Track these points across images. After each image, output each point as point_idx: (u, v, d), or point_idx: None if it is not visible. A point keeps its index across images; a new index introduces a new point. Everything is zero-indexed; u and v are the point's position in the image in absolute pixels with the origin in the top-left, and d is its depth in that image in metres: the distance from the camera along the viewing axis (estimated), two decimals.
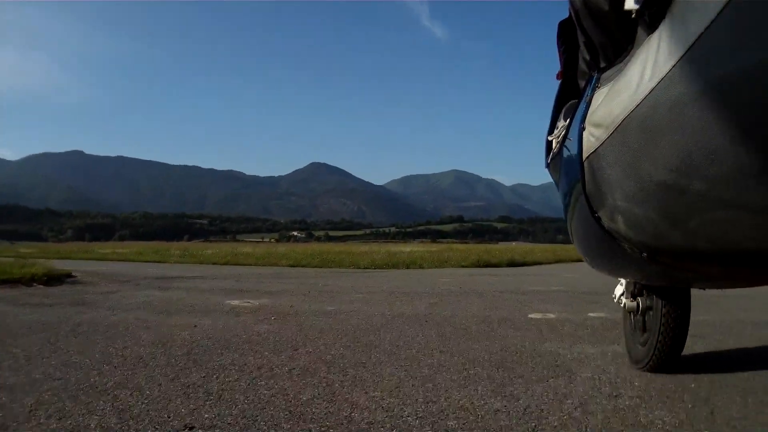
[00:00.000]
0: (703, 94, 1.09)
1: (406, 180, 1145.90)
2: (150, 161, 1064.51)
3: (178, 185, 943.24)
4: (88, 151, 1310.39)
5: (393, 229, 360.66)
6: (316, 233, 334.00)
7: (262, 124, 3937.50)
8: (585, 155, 1.76)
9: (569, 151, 2.04)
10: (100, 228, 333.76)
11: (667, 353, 2.43)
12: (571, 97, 2.37)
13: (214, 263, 15.64)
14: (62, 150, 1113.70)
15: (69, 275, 8.14)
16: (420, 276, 9.99)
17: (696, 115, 1.11)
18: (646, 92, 1.30)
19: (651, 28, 1.34)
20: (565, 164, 2.16)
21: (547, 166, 2.61)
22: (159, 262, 16.91)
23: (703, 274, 1.75)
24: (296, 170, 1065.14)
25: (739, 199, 1.11)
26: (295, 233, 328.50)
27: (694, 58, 1.11)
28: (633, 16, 1.42)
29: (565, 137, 2.18)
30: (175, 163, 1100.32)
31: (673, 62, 1.18)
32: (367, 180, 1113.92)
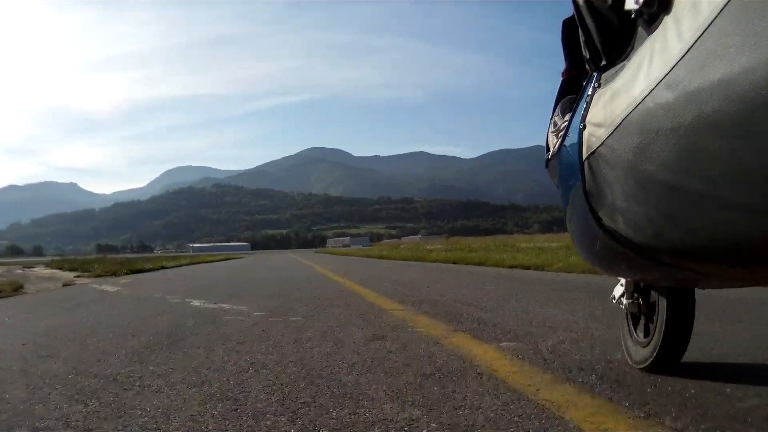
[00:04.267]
0: (703, 93, 1.26)
1: None
2: None
3: None
4: None
5: None
6: None
7: None
8: (585, 155, 2.05)
9: (569, 150, 2.36)
10: None
11: (671, 354, 2.76)
12: (572, 95, 2.68)
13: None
14: (523, 146, 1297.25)
15: None
16: None
17: (696, 114, 1.29)
18: (647, 92, 1.51)
19: (651, 28, 1.56)
20: (565, 164, 2.49)
21: (547, 165, 2.96)
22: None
23: (703, 274, 1.98)
24: None
25: (739, 199, 1.27)
26: None
27: (694, 58, 1.30)
28: (633, 16, 1.65)
29: (564, 137, 2.50)
30: None
31: (673, 62, 1.38)
32: None
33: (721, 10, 1.20)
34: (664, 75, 1.43)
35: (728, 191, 1.29)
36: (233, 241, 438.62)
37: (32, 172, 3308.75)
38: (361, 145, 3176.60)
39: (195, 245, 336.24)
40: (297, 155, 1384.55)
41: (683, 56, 1.34)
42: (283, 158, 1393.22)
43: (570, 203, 2.50)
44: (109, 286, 12.17)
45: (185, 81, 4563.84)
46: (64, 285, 13.06)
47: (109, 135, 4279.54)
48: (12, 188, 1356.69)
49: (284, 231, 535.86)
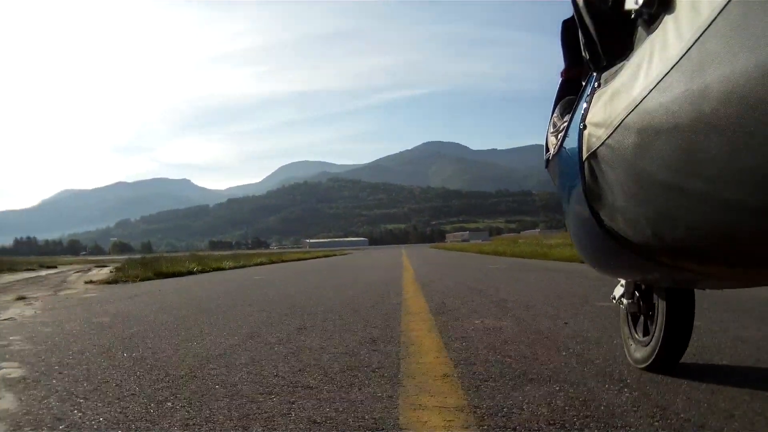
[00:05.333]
0: (703, 93, 1.28)
1: None
2: None
3: None
4: None
5: None
6: None
7: None
8: (585, 155, 2.08)
9: (569, 150, 2.40)
10: None
11: (671, 354, 2.82)
12: (571, 95, 2.73)
13: None
14: None
15: None
16: None
17: (696, 114, 1.31)
18: (646, 92, 1.54)
19: (651, 28, 1.59)
20: (565, 164, 2.52)
21: (547, 165, 3.03)
22: None
23: (703, 274, 2.02)
24: None
25: (738, 199, 1.29)
26: None
27: (694, 58, 1.32)
28: (633, 16, 1.68)
29: (564, 136, 2.55)
30: None
31: (673, 62, 1.40)
32: None
33: (721, 10, 1.21)
34: (663, 75, 1.44)
35: (728, 191, 1.30)
36: (351, 236, 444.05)
37: (143, 169, 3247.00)
38: (479, 139, 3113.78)
39: (311, 240, 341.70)
40: (414, 149, 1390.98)
41: (683, 56, 1.35)
42: (401, 152, 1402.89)
43: (570, 203, 2.52)
44: (51, 307, 7.94)
45: (301, 76, 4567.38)
46: (17, 299, 9.22)
47: (223, 130, 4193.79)
48: (120, 185, 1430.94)
49: (402, 225, 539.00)
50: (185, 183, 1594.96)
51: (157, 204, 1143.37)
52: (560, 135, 2.65)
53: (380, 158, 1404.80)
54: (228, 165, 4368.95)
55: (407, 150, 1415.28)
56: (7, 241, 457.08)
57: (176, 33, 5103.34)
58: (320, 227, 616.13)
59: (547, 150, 2.95)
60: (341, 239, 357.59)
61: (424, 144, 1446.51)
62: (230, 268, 21.09)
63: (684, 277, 2.12)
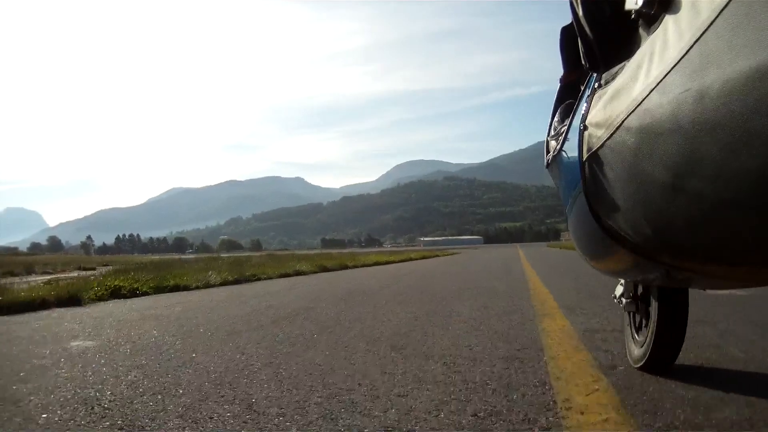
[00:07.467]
0: (703, 93, 1.26)
1: None
2: None
3: None
4: None
5: None
6: None
7: None
8: (585, 156, 2.06)
9: (569, 151, 2.42)
10: None
11: (663, 355, 2.87)
12: (570, 99, 2.78)
13: None
14: None
15: None
16: None
17: (696, 115, 1.30)
18: (647, 92, 1.52)
19: (651, 29, 1.58)
20: (565, 165, 2.54)
21: (547, 166, 3.07)
22: None
23: (703, 274, 2.00)
24: None
25: (739, 199, 1.28)
26: None
27: (694, 58, 1.30)
28: (633, 16, 1.67)
29: (564, 138, 2.56)
30: None
31: (673, 62, 1.39)
32: None
33: (722, 10, 1.20)
34: (663, 75, 1.44)
35: (728, 191, 1.30)
36: (465, 234, 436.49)
37: (255, 167, 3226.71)
38: None
39: (426, 239, 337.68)
40: (529, 148, 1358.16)
41: (683, 56, 1.35)
42: (515, 151, 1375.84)
43: (570, 204, 2.53)
44: None
45: (411, 75, 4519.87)
46: None
47: (336, 129, 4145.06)
48: (232, 183, 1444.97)
49: (518, 224, 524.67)
50: (299, 181, 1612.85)
51: (270, 202, 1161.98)
52: (561, 136, 2.65)
53: (495, 157, 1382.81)
54: (342, 164, 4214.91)
55: (522, 149, 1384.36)
56: (110, 239, 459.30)
57: (286, 32, 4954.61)
58: (435, 225, 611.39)
59: (548, 152, 2.97)
60: (455, 237, 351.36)
61: (538, 143, 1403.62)
62: (196, 287, 11.53)
63: (684, 276, 2.11)
